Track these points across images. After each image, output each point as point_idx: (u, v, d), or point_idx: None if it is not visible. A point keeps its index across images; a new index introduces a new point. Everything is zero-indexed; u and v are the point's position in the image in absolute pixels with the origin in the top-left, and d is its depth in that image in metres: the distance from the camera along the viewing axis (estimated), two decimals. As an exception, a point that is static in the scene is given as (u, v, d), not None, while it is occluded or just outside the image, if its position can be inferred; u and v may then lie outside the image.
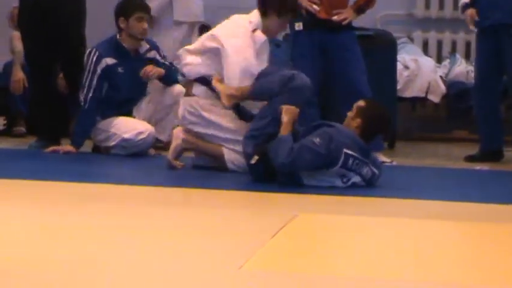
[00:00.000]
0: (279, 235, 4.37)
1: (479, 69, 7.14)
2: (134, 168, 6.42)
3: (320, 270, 3.83)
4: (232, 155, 6.04)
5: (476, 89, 7.14)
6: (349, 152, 5.25)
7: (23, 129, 8.25)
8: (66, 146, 6.76)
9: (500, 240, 4.16)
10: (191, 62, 6.08)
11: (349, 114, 5.52)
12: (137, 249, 4.11)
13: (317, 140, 5.27)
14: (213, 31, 6.11)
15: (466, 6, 7.14)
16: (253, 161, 5.54)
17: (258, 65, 6.06)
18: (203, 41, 6.13)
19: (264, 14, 5.96)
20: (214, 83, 5.80)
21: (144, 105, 6.91)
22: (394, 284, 3.60)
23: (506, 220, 5.00)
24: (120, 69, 6.78)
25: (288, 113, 5.50)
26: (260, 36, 6.02)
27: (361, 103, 5.52)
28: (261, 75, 5.92)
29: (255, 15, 6.02)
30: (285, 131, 5.45)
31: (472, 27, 7.26)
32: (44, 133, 7.13)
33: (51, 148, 6.82)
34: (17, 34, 7.75)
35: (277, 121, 5.51)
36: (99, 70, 6.70)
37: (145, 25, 6.83)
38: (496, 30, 6.81)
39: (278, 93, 5.64)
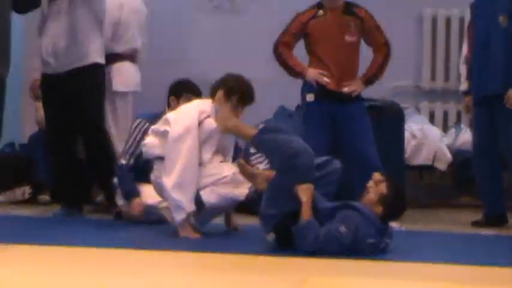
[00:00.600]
0: None
1: (477, 139, 7.33)
2: (154, 232, 6.49)
3: None
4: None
5: (475, 157, 7.30)
6: (372, 240, 5.35)
7: (47, 197, 8.40)
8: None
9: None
10: (148, 143, 6.35)
11: (370, 195, 5.57)
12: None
13: (343, 228, 5.27)
14: (168, 115, 6.36)
15: (464, 93, 7.46)
16: (269, 238, 5.57)
17: (204, 151, 6.25)
18: (159, 122, 6.43)
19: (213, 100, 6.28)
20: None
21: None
22: None
23: (510, 283, 5.07)
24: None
25: (305, 192, 5.44)
26: (209, 124, 6.20)
27: (382, 189, 5.55)
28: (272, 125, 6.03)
29: (207, 103, 6.28)
30: (306, 213, 5.39)
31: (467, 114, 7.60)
32: (68, 201, 7.30)
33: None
34: (40, 104, 7.94)
35: (292, 198, 5.44)
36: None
37: None
38: (490, 101, 7.06)
39: (282, 161, 5.57)
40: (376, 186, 5.56)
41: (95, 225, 6.89)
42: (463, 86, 7.56)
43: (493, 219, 7.03)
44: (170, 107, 6.92)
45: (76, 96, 7.06)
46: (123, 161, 6.82)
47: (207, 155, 5.97)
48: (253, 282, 5.23)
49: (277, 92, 8.58)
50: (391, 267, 5.52)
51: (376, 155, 6.86)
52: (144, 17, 8.03)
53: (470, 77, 7.30)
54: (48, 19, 7.30)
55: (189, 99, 6.95)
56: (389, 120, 7.86)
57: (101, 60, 7.26)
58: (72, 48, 7.14)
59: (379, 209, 5.45)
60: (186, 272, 5.25)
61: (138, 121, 7.12)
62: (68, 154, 7.35)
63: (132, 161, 6.82)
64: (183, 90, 7.16)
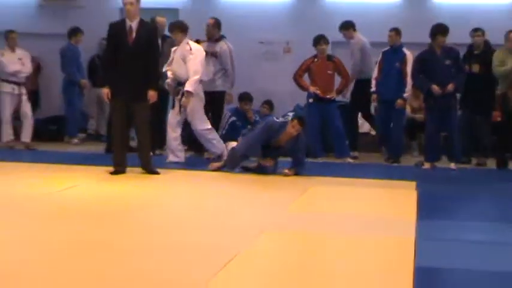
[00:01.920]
0: (305, 194, 8.33)
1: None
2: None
3: (330, 210, 7.48)
4: None
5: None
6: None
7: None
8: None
9: None
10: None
11: (288, 129, 9.84)
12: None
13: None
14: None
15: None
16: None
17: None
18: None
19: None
20: None
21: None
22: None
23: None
24: (238, 123, 11.81)
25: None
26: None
27: (292, 130, 9.82)
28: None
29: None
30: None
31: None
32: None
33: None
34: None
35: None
36: (229, 122, 11.81)
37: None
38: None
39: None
40: (292, 128, 9.78)
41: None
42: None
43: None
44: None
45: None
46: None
47: None
48: (265, 191, 8.96)
49: (296, 97, 12.76)
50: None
51: (340, 125, 11.78)
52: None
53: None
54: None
55: (246, 103, 11.98)
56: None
57: None
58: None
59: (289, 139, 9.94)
60: (223, 184, 9.17)
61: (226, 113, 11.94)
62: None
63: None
64: (244, 98, 12.12)
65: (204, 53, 10.93)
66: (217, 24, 12.03)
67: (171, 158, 10.90)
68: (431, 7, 13.98)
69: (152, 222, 7.00)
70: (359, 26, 12.69)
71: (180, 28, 10.85)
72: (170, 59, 10.87)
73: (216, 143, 10.99)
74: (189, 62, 10.63)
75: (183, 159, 11.00)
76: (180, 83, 10.72)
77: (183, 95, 10.63)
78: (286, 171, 9.86)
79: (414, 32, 12.40)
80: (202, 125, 10.88)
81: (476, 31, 11.89)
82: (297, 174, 9.88)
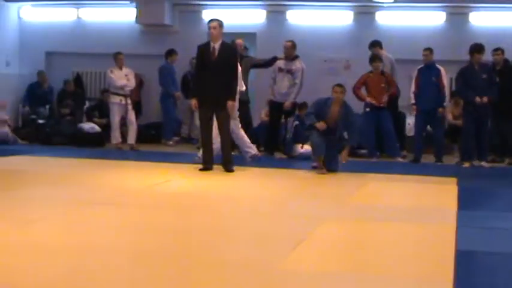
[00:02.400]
0: (362, 189, 8.56)
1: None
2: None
3: (384, 203, 7.79)
4: None
5: None
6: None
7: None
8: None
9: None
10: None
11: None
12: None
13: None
14: None
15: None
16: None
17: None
18: None
19: None
20: None
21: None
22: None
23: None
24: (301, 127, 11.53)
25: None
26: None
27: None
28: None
29: None
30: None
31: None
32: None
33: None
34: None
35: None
36: (294, 126, 11.60)
37: None
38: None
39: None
40: (335, 93, 9.75)
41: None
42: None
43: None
44: None
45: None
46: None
47: None
48: (327, 187, 8.93)
49: (354, 107, 11.22)
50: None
51: (391, 129, 11.74)
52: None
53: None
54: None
55: (302, 110, 11.57)
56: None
57: None
58: None
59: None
60: (290, 180, 9.44)
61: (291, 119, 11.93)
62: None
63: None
64: (302, 106, 11.81)
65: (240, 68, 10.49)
66: (294, 45, 12.16)
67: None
68: (469, 29, 13.83)
69: (233, 211, 7.08)
70: (408, 46, 12.73)
71: None
72: None
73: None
74: None
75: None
76: None
77: None
78: (343, 154, 9.85)
79: (454, 50, 12.61)
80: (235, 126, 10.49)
81: (497, 50, 11.94)
82: (352, 147, 10.18)
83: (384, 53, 12.37)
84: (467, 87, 11.22)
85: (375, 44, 12.43)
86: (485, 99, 11.03)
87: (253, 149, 10.77)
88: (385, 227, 6.41)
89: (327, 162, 9.77)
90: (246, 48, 12.50)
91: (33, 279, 4.43)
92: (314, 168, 9.89)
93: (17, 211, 6.72)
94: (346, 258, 5.29)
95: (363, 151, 12.21)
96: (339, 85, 9.81)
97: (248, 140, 10.76)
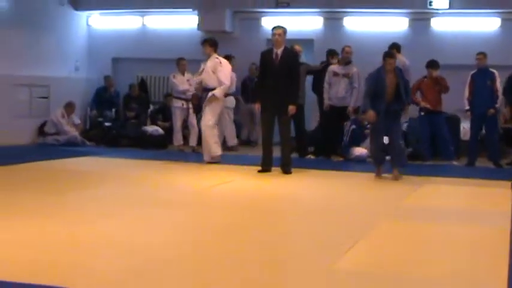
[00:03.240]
0: (417, 191, 8.51)
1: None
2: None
3: (439, 204, 7.60)
4: None
5: None
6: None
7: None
8: None
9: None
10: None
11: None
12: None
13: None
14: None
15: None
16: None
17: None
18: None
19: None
20: None
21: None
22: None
23: None
24: (357, 131, 11.48)
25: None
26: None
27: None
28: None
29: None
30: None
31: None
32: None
33: None
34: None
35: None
36: (350, 129, 11.59)
37: None
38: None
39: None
40: (386, 63, 9.24)
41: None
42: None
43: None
44: None
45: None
46: None
47: None
48: (383, 188, 8.81)
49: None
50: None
51: (446, 133, 11.66)
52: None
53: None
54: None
55: (358, 113, 11.49)
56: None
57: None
58: None
59: None
60: (345, 181, 9.30)
61: (347, 123, 11.77)
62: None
63: None
64: (357, 110, 11.59)
65: (230, 67, 11.02)
66: (352, 52, 12.15)
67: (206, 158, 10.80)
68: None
69: (292, 211, 7.14)
70: (462, 52, 12.63)
71: (210, 43, 10.90)
72: (200, 69, 10.89)
73: (212, 143, 10.72)
74: (219, 72, 10.63)
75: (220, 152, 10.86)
76: (206, 89, 10.70)
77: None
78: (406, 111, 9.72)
79: (508, 56, 12.54)
80: (207, 121, 10.68)
81: None
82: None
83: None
84: None
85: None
86: None
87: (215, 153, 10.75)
88: (439, 229, 6.36)
89: (392, 159, 9.48)
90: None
91: (100, 271, 4.53)
92: (376, 175, 9.61)
93: (86, 209, 6.89)
94: (400, 259, 5.24)
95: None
96: (391, 56, 9.35)
97: (217, 140, 10.80)
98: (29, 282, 4.19)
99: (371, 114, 9.17)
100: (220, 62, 10.76)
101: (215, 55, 10.84)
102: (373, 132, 9.59)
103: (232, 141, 13.35)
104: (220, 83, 10.59)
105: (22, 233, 5.62)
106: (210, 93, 10.57)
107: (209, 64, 10.71)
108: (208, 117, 10.66)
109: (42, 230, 5.77)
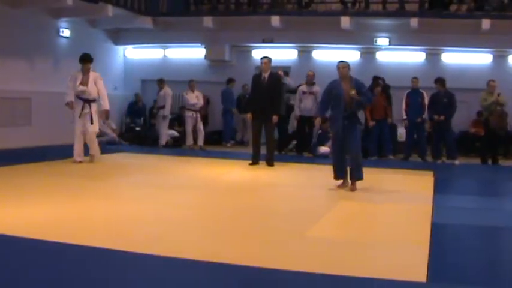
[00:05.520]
0: (365, 178, 8.65)
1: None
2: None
3: (380, 190, 7.49)
4: None
5: None
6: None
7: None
8: None
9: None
10: None
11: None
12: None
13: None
14: None
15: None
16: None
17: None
18: None
19: None
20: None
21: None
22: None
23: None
24: (323, 135, 11.07)
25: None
26: None
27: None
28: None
29: None
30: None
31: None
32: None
33: None
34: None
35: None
36: (317, 133, 11.10)
37: None
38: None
39: None
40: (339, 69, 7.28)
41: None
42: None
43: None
44: None
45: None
46: None
47: None
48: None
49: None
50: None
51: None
52: None
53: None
54: None
55: (325, 123, 10.50)
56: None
57: None
58: None
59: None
60: (316, 172, 8.03)
61: (315, 129, 11.57)
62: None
63: None
64: (325, 120, 10.61)
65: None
66: (314, 74, 11.82)
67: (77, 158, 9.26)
68: None
69: (275, 194, 7.02)
70: (398, 76, 12.33)
71: (90, 59, 9.15)
72: (81, 79, 9.11)
73: (95, 145, 9.47)
74: (100, 85, 9.16)
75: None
76: (87, 99, 9.12)
77: (89, 106, 9.07)
78: (353, 92, 7.16)
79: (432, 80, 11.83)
80: (95, 129, 9.37)
81: None
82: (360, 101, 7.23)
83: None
84: None
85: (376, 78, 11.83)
86: None
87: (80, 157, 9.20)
88: (380, 206, 6.29)
89: (351, 172, 7.29)
90: (286, 73, 12.11)
91: (132, 239, 4.54)
92: (339, 187, 7.43)
93: (120, 192, 6.83)
94: (354, 228, 5.21)
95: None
96: (342, 61, 7.46)
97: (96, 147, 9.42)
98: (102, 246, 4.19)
99: (317, 120, 7.98)
100: (99, 76, 9.32)
101: (92, 69, 9.28)
102: (333, 146, 7.71)
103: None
104: (103, 94, 9.23)
105: (92, 212, 5.54)
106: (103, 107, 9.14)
107: (91, 76, 9.15)
108: (96, 126, 9.27)
109: (105, 208, 5.70)
